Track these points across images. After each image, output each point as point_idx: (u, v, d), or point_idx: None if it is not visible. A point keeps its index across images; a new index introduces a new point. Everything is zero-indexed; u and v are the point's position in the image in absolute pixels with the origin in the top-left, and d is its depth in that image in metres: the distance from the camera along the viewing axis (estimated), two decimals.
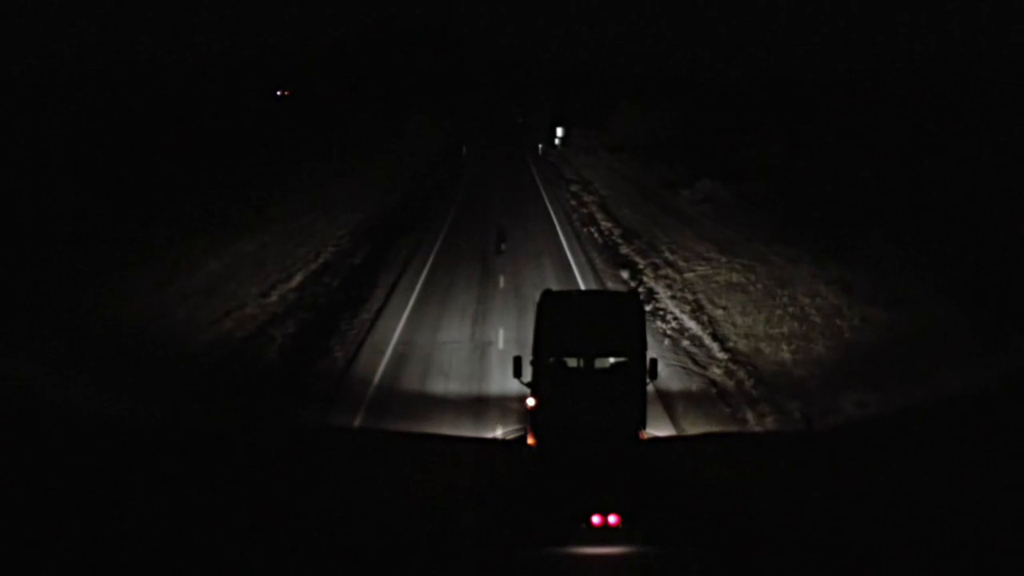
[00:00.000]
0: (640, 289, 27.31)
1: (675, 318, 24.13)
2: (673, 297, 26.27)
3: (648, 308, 25.07)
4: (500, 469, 13.94)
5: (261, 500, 12.65)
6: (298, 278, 28.55)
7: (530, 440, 12.75)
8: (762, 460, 14.96)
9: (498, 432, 15.86)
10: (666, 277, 28.84)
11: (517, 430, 15.60)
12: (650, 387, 12.76)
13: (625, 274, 29.45)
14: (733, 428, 16.38)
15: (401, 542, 11.44)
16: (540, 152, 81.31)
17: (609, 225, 39.94)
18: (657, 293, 26.94)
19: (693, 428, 16.29)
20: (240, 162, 57.74)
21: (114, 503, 11.67)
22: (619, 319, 12.72)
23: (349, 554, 11.24)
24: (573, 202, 47.75)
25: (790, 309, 23.41)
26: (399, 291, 27.40)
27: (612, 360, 12.79)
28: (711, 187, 48.41)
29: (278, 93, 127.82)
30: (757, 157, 65.24)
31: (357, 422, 16.45)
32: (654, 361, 12.77)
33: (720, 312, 24.41)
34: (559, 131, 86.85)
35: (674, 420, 16.64)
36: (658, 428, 15.66)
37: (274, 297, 25.93)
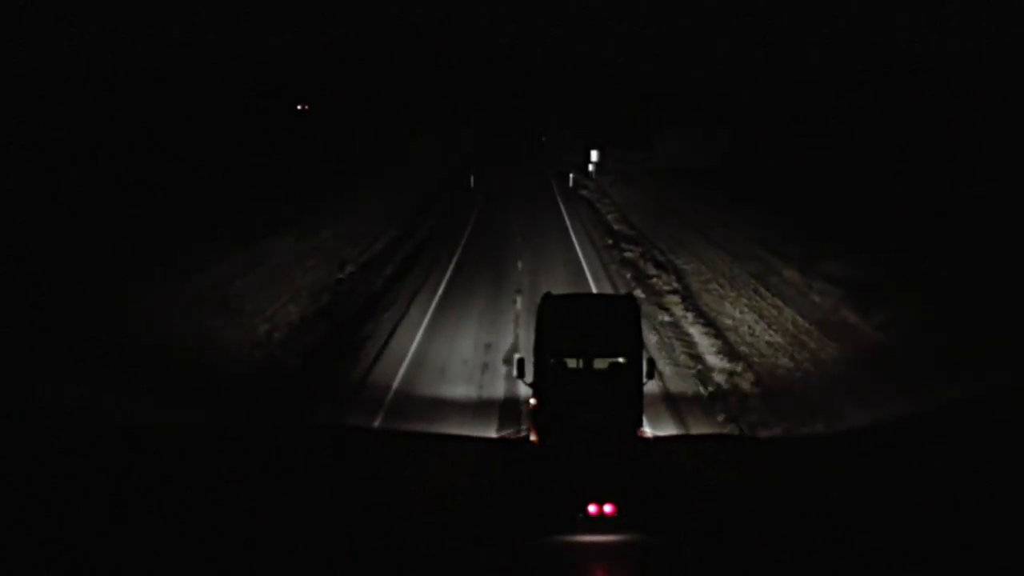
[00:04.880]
0: None
1: None
2: None
3: None
4: (504, 465, 13.75)
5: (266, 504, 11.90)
6: None
7: (532, 437, 12.79)
8: (763, 460, 14.53)
9: (504, 432, 15.64)
10: None
11: (522, 430, 15.40)
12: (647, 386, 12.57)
13: None
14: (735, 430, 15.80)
15: (407, 534, 11.23)
16: (571, 183, 61.53)
17: (727, 366, 19.96)
18: None
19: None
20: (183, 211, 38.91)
21: (118, 503, 11.12)
22: (617, 321, 12.69)
23: (351, 551, 10.86)
24: (640, 290, 27.73)
25: None
26: None
27: (610, 360, 12.73)
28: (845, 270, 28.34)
29: (298, 107, 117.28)
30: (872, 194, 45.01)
31: None
32: (651, 361, 13.08)
33: None
34: (594, 155, 67.00)
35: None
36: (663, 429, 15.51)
37: None
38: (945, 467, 12.19)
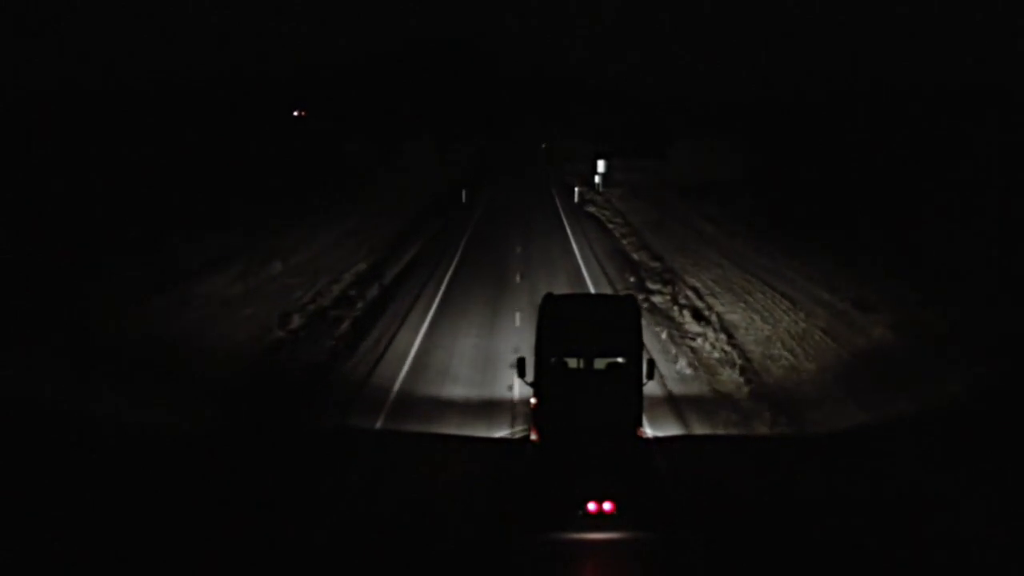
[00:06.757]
0: None
1: None
2: None
3: None
4: (506, 464, 13.26)
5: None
6: None
7: (533, 436, 12.56)
8: (763, 460, 14.16)
9: (506, 432, 15.29)
10: None
11: (523, 430, 15.10)
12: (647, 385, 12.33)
13: None
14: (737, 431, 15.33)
15: (408, 532, 10.99)
16: (576, 198, 53.84)
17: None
18: None
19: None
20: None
21: (126, 504, 10.97)
22: (617, 322, 12.53)
23: (354, 551, 10.58)
24: (684, 361, 19.91)
25: None
26: None
27: (610, 361, 12.58)
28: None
29: (295, 113, 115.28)
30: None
31: None
32: (651, 362, 13.03)
33: None
34: (600, 165, 59.33)
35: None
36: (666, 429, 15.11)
37: None
38: None
